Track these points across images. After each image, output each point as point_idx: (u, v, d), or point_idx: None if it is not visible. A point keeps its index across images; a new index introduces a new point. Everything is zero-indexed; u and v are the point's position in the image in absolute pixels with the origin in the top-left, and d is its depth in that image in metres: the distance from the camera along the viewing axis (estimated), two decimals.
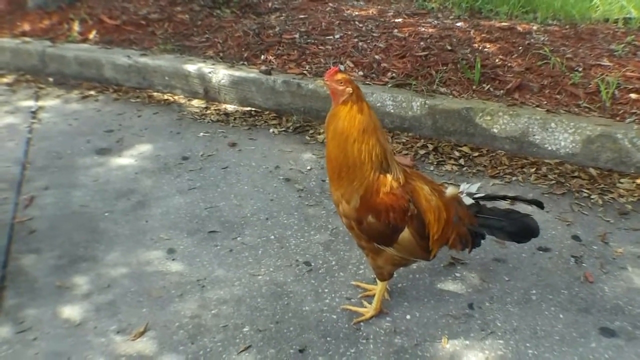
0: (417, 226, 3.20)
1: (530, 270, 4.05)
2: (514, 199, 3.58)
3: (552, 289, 3.88)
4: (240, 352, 3.26)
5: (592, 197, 5.04)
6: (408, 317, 3.59)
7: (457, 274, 3.99)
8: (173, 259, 4.04)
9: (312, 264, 3.98)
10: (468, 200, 3.39)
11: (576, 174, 5.33)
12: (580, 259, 4.18)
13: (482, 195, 3.44)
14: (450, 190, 3.36)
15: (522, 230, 3.39)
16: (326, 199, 4.73)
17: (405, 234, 3.18)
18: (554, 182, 5.19)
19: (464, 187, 3.46)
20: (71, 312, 3.58)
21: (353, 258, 4.07)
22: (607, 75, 5.86)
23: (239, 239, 4.21)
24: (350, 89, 3.03)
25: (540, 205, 3.44)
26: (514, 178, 5.24)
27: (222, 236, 4.28)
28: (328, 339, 3.37)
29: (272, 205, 4.57)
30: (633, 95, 5.69)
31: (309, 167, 5.14)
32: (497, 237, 3.46)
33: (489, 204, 3.48)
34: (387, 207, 3.10)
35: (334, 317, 3.54)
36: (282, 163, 5.18)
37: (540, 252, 4.25)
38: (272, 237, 4.22)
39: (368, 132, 3.03)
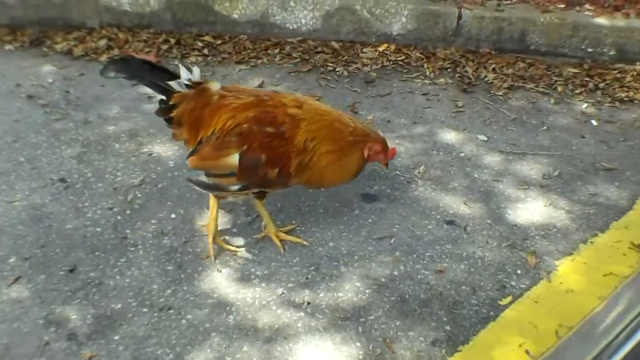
0: None
1: None
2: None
3: None
4: (11, 284, 3.16)
5: (337, 69, 5.27)
6: (173, 216, 3.65)
7: None
8: None
9: (68, 180, 3.89)
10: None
11: (319, 49, 5.52)
12: None
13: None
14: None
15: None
16: (72, 110, 4.59)
17: None
18: (298, 60, 5.35)
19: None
20: None
21: (109, 166, 4.03)
22: None
23: None
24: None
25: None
26: (259, 61, 5.34)
27: None
28: (96, 253, 3.36)
29: (17, 126, 4.37)
30: None
31: (50, 80, 4.92)
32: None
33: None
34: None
35: (99, 229, 3.52)
36: (22, 80, 4.93)
37: None
38: (22, 159, 4.05)
39: None
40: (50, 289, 3.15)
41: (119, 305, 3.07)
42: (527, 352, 2.88)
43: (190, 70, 3.20)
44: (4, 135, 4.27)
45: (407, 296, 3.20)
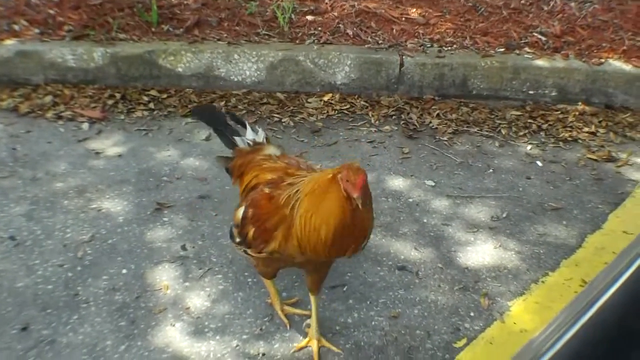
0: None
1: (236, 201, 4.20)
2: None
3: None
4: None
5: (283, 120, 5.36)
6: (124, 271, 3.67)
7: (165, 219, 4.11)
8: None
9: (18, 238, 3.88)
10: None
11: (265, 100, 5.61)
12: None
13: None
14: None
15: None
16: (20, 167, 4.57)
17: None
18: (244, 111, 5.42)
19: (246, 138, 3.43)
20: None
21: (58, 223, 4.02)
22: (282, 2, 6.14)
23: None
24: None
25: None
26: None
27: None
28: (49, 310, 3.36)
29: None
30: (309, 17, 6.06)
31: None
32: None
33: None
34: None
35: (50, 287, 3.52)
36: None
37: None
38: None
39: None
40: (2, 347, 3.14)
41: None
42: None
43: (256, 131, 3.41)
44: None
45: (362, 343, 3.26)
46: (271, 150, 3.29)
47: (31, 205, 4.18)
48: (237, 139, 3.41)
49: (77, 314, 3.35)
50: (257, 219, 2.87)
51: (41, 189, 4.32)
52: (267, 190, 2.89)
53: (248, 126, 3.44)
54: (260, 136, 3.39)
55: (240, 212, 2.99)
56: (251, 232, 2.89)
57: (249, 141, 3.36)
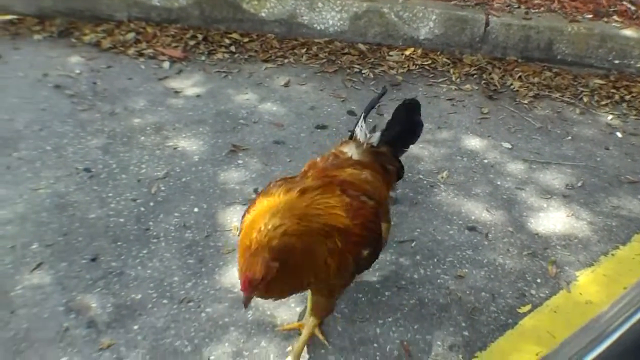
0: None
1: (311, 149, 4.22)
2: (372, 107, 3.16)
3: None
4: (33, 270, 3.19)
5: (363, 72, 5.27)
6: (196, 210, 3.66)
7: (240, 161, 4.09)
8: None
9: (93, 170, 3.91)
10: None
11: (346, 50, 5.53)
12: None
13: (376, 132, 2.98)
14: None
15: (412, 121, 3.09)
16: (99, 101, 4.61)
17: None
18: (325, 60, 5.36)
19: (361, 135, 2.94)
20: None
21: (134, 158, 4.04)
22: None
23: (14, 154, 4.03)
24: None
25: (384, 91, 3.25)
26: (286, 60, 5.35)
27: None
28: (119, 243, 3.38)
29: (44, 115, 4.39)
30: None
31: (78, 71, 4.94)
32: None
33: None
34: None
35: (122, 220, 3.54)
36: (50, 70, 4.95)
37: (318, 130, 4.43)
38: (49, 147, 4.08)
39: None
40: (71, 276, 3.17)
41: (139, 296, 3.08)
42: None
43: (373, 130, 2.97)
44: (30, 123, 4.30)
45: (426, 300, 3.20)
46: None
47: (108, 139, 4.20)
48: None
49: (146, 248, 3.36)
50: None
51: (119, 124, 4.34)
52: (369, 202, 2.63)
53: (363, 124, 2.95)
54: (376, 138, 2.93)
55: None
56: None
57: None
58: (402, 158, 3.07)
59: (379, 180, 2.81)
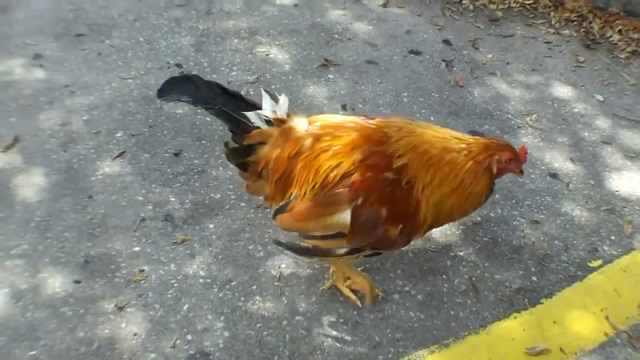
0: None
1: (402, 73, 4.12)
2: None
3: (423, 92, 3.98)
4: (115, 158, 3.22)
5: (463, 2, 5.10)
6: None
7: (330, 76, 4.01)
8: (40, 65, 3.84)
9: (184, 66, 3.89)
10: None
11: None
12: (451, 63, 4.28)
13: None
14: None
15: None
16: None
17: None
18: None
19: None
20: None
21: (225, 60, 4.01)
22: None
23: (107, 41, 4.04)
24: None
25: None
26: None
27: (89, 39, 4.08)
28: (203, 142, 3.38)
29: (140, 6, 4.37)
30: None
31: None
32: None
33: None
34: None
35: (208, 119, 3.52)
36: None
37: (412, 55, 4.31)
38: (142, 39, 4.08)
39: None
40: (153, 168, 3.18)
41: (218, 196, 3.09)
42: (607, 318, 2.81)
43: (276, 99, 2.46)
44: (125, 12, 4.29)
45: (499, 239, 3.14)
46: (301, 123, 2.43)
47: (201, 37, 4.17)
48: (249, 114, 2.42)
49: None
50: (401, 214, 2.35)
51: (214, 24, 4.30)
52: (388, 175, 2.30)
53: (265, 93, 2.48)
54: (284, 105, 2.44)
55: (344, 216, 2.32)
56: (396, 230, 2.35)
57: (266, 117, 2.41)
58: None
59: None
